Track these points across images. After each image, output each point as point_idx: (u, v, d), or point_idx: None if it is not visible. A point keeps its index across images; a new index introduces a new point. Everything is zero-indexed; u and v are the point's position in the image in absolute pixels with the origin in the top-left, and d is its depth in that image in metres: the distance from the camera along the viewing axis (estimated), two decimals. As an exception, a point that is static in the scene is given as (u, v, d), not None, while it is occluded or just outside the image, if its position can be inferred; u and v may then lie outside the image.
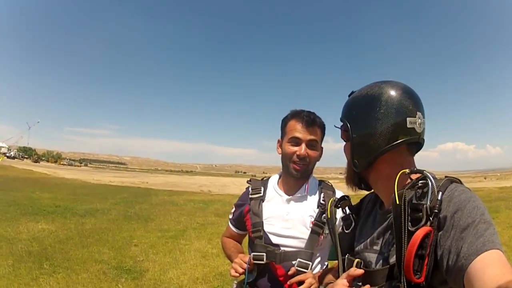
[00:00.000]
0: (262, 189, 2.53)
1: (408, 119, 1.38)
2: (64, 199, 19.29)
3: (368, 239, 1.50)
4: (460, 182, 1.33)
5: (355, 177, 1.57)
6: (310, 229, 2.32)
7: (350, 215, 1.68)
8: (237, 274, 2.26)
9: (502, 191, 31.80)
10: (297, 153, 2.33)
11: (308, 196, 2.46)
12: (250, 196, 2.53)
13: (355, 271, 1.39)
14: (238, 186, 46.87)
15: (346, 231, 1.65)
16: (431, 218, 1.15)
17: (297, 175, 2.38)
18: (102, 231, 11.30)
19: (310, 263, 2.25)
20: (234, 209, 2.70)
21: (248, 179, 2.74)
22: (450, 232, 1.12)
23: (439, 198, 1.17)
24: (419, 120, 1.41)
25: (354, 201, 1.76)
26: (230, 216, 2.73)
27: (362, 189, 1.63)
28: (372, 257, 1.44)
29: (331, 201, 1.78)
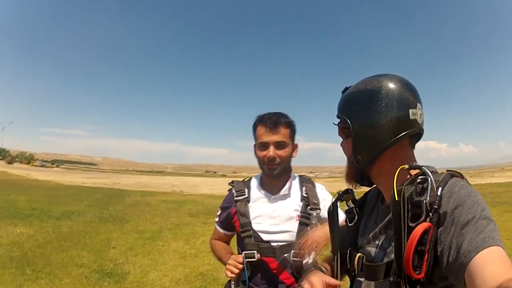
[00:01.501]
0: (246, 190, 2.60)
1: (410, 110, 1.35)
2: (39, 201, 18.86)
3: (371, 234, 1.48)
4: (462, 176, 1.32)
5: (358, 174, 1.49)
6: (298, 222, 2.44)
7: (354, 208, 1.64)
8: (234, 275, 2.34)
9: (476, 188, 32.43)
10: (267, 156, 2.44)
11: (292, 193, 2.57)
12: (235, 198, 2.59)
13: (333, 282, 1.42)
14: (209, 186, 46.92)
15: (349, 225, 1.63)
16: (430, 214, 1.12)
17: (274, 175, 2.49)
18: (80, 233, 11.10)
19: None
20: (220, 211, 2.75)
21: (230, 182, 2.79)
22: (450, 228, 1.09)
23: (438, 193, 1.15)
24: (419, 111, 1.39)
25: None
26: (217, 219, 2.77)
27: (364, 185, 1.57)
28: (374, 251, 1.42)
29: (334, 194, 1.72)
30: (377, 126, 1.35)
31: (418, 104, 1.39)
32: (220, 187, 46.91)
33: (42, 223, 12.61)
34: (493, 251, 0.98)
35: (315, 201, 2.53)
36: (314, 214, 2.49)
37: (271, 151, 2.43)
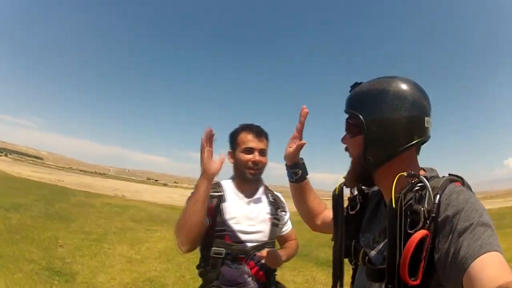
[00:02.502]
0: (221, 189, 2.62)
1: (425, 118, 1.33)
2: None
3: (371, 236, 1.46)
4: (462, 180, 1.30)
5: (364, 174, 1.43)
6: (270, 223, 2.62)
7: (358, 196, 1.61)
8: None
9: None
10: (252, 160, 2.55)
11: (263, 197, 2.72)
12: (211, 193, 2.45)
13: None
14: (151, 194, 46.53)
15: (350, 212, 1.59)
16: (428, 222, 1.11)
17: (253, 179, 2.61)
18: (28, 228, 10.80)
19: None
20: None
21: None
22: (448, 235, 1.08)
23: (436, 201, 1.14)
24: (431, 120, 1.36)
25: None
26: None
27: (366, 186, 1.58)
28: (373, 254, 1.40)
29: (341, 178, 1.62)
30: (392, 128, 1.32)
31: (431, 113, 1.37)
32: (162, 195, 46.56)
33: (-8, 213, 12.20)
34: (491, 256, 0.98)
35: (283, 205, 2.80)
36: (283, 215, 2.76)
37: (257, 156, 2.56)
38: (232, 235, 2.46)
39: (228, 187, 2.66)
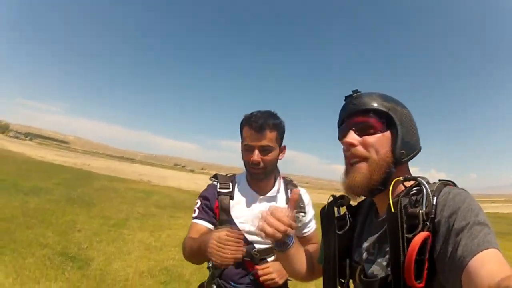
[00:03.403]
0: (231, 185, 2.50)
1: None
2: (9, 173, 18.67)
3: (365, 248, 1.46)
4: (454, 184, 1.32)
5: (387, 175, 1.36)
6: None
7: (347, 215, 1.59)
8: (238, 255, 1.97)
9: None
10: (251, 159, 2.34)
11: (278, 196, 2.51)
12: (218, 190, 2.47)
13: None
14: (177, 180, 46.77)
15: (338, 232, 1.56)
16: (428, 224, 1.13)
17: (257, 178, 2.42)
18: (46, 212, 10.91)
19: None
20: (199, 203, 2.50)
21: (212, 176, 2.64)
22: (445, 236, 1.11)
23: (434, 202, 1.17)
24: None
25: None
26: (195, 213, 2.48)
27: (374, 196, 1.46)
28: (369, 267, 1.39)
29: (330, 198, 1.66)
30: (414, 131, 1.42)
31: None
32: (188, 182, 46.71)
33: (10, 196, 12.41)
34: (489, 253, 1.00)
35: (302, 204, 2.42)
36: (300, 217, 2.19)
37: (256, 155, 2.34)
38: None
39: (241, 182, 2.54)
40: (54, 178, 20.73)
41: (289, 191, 2.54)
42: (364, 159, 1.39)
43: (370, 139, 1.39)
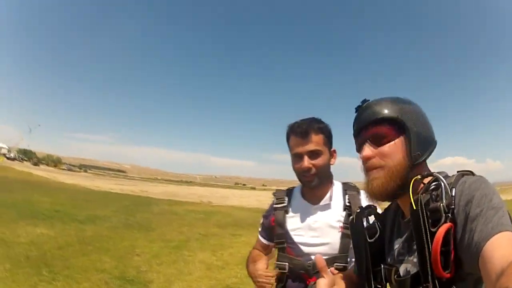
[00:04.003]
0: (286, 199, 2.52)
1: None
2: (63, 204, 18.93)
3: (396, 250, 1.50)
4: (472, 174, 1.32)
5: (405, 179, 1.38)
6: (340, 233, 2.32)
7: (376, 223, 1.66)
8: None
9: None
10: (301, 167, 2.32)
11: (333, 203, 2.44)
12: (274, 206, 2.53)
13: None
14: (238, 198, 47.19)
15: (370, 240, 1.60)
16: (449, 215, 1.15)
17: (311, 186, 2.37)
18: (103, 238, 10.97)
19: (348, 265, 2.26)
20: (262, 220, 2.66)
21: (274, 191, 2.70)
22: (464, 224, 1.13)
23: (453, 194, 1.19)
24: None
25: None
26: (260, 228, 2.67)
27: (396, 199, 1.54)
28: (403, 267, 1.41)
29: (357, 209, 1.74)
30: (428, 127, 1.46)
31: None
32: (249, 199, 47.26)
33: (64, 225, 12.55)
34: (502, 236, 1.02)
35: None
36: None
37: (305, 161, 2.31)
38: (294, 247, 2.38)
39: (295, 195, 2.56)
40: (111, 206, 21.08)
41: (347, 196, 2.45)
42: (381, 167, 1.44)
43: (385, 148, 1.44)
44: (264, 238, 2.61)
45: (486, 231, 1.04)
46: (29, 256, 7.83)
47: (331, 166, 2.47)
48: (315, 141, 2.32)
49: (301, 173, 2.34)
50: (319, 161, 2.32)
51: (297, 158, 2.35)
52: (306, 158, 2.30)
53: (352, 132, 1.59)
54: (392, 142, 1.43)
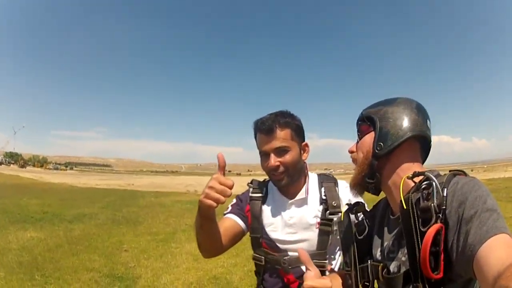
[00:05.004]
0: (264, 189, 2.36)
1: (427, 120, 1.51)
2: (51, 205, 18.99)
3: (385, 247, 1.50)
4: (465, 174, 1.34)
5: (370, 170, 1.50)
6: (317, 230, 2.17)
7: (364, 220, 1.66)
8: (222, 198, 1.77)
9: (490, 182, 32.24)
10: (268, 166, 2.17)
11: (310, 196, 2.28)
12: (250, 194, 2.35)
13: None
14: (224, 185, 47.07)
15: (359, 237, 1.62)
16: (440, 215, 1.15)
17: (282, 185, 2.22)
18: (91, 237, 11.14)
19: (326, 261, 2.15)
20: (235, 201, 2.41)
21: (250, 182, 2.46)
22: (457, 226, 1.12)
23: (444, 194, 1.18)
24: (430, 126, 1.53)
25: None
26: (228, 210, 2.35)
27: (369, 192, 1.59)
28: (390, 264, 1.43)
29: (345, 207, 1.76)
30: (400, 122, 1.46)
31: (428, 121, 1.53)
32: (235, 186, 46.74)
33: (53, 226, 12.69)
34: (497, 238, 1.01)
35: (335, 204, 2.19)
36: (335, 219, 2.13)
37: (272, 159, 2.15)
38: (269, 243, 2.24)
39: (272, 188, 2.36)
40: (98, 202, 21.19)
41: (323, 189, 2.28)
42: (355, 160, 1.60)
43: (359, 143, 1.59)
44: (237, 216, 2.31)
45: (481, 234, 1.04)
46: (21, 262, 7.96)
47: (305, 160, 2.32)
48: (281, 137, 2.16)
49: (270, 172, 2.20)
50: (287, 158, 2.16)
51: (264, 156, 2.21)
52: (272, 156, 2.15)
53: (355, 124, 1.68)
54: (364, 137, 1.56)
